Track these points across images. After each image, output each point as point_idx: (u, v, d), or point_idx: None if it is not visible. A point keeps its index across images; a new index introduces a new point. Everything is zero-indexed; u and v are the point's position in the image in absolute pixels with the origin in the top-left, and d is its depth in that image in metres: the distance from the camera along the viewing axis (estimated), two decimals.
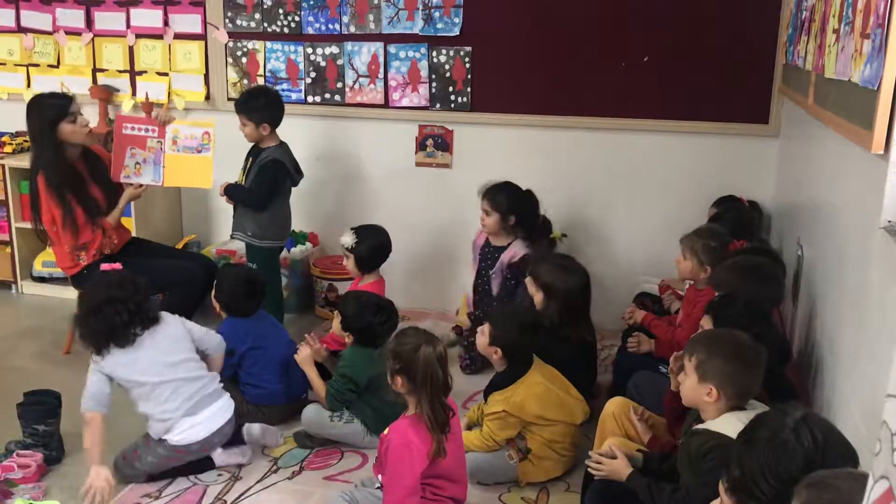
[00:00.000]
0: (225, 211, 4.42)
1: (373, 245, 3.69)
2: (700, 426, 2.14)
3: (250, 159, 3.94)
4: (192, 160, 3.91)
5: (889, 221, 1.85)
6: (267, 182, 3.87)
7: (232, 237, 4.06)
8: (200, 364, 3.01)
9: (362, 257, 3.68)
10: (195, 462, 2.98)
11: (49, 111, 3.62)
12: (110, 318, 2.83)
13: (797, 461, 1.49)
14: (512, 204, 3.75)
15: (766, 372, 2.20)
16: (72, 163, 3.70)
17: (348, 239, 3.67)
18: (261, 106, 3.87)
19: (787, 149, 3.88)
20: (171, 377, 2.89)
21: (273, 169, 3.88)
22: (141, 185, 3.85)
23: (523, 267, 3.65)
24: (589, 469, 2.45)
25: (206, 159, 3.91)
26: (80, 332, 2.90)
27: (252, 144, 3.99)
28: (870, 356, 1.95)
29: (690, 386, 2.17)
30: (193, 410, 2.90)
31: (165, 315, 3.01)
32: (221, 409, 2.97)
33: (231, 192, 3.94)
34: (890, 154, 1.82)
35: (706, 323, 2.55)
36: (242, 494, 2.88)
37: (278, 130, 3.97)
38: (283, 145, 3.96)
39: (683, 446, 2.20)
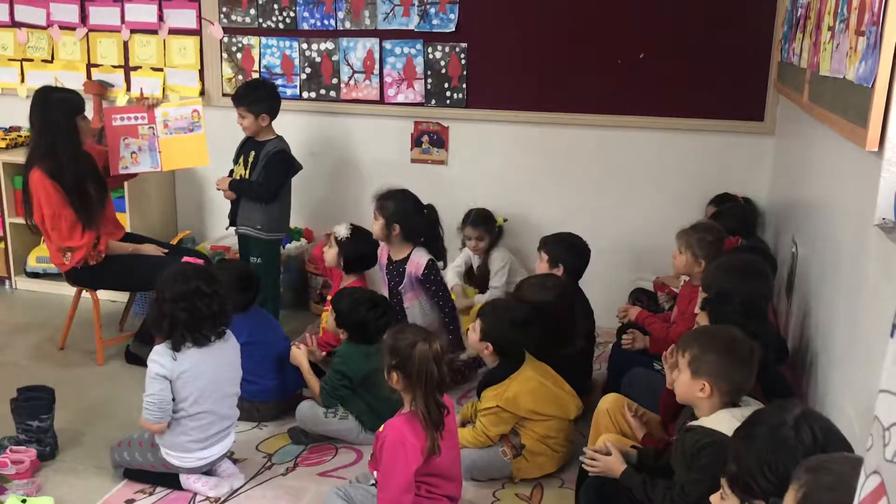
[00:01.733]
0: (220, 206, 4.41)
1: (360, 251, 3.67)
2: (694, 423, 2.15)
3: (252, 152, 3.93)
4: (187, 140, 3.93)
5: (883, 219, 1.85)
6: (278, 173, 3.91)
7: (237, 231, 4.04)
8: (237, 399, 2.95)
9: (346, 256, 3.66)
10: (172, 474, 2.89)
11: (71, 105, 3.63)
12: (198, 308, 2.72)
13: (797, 458, 1.49)
14: (398, 212, 3.51)
15: (760, 369, 2.21)
16: (78, 158, 3.67)
17: (343, 231, 3.66)
18: (260, 98, 3.89)
19: (782, 146, 3.89)
20: (215, 409, 2.81)
21: (283, 160, 3.92)
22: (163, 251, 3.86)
23: (433, 272, 3.55)
24: (583, 465, 2.46)
25: (200, 137, 3.93)
26: (161, 320, 2.73)
27: (245, 138, 3.99)
28: (863, 352, 1.96)
29: (684, 382, 2.18)
30: (208, 444, 2.84)
31: (228, 332, 2.91)
32: (226, 444, 2.91)
33: (239, 187, 3.93)
34: (884, 151, 1.82)
35: (702, 319, 2.56)
36: (237, 491, 2.87)
37: (274, 125, 3.97)
38: (282, 137, 3.98)
39: (678, 443, 2.20)
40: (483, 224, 4.20)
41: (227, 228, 4.17)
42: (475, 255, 4.27)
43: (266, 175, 3.88)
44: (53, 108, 3.61)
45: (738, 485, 1.57)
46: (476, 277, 4.29)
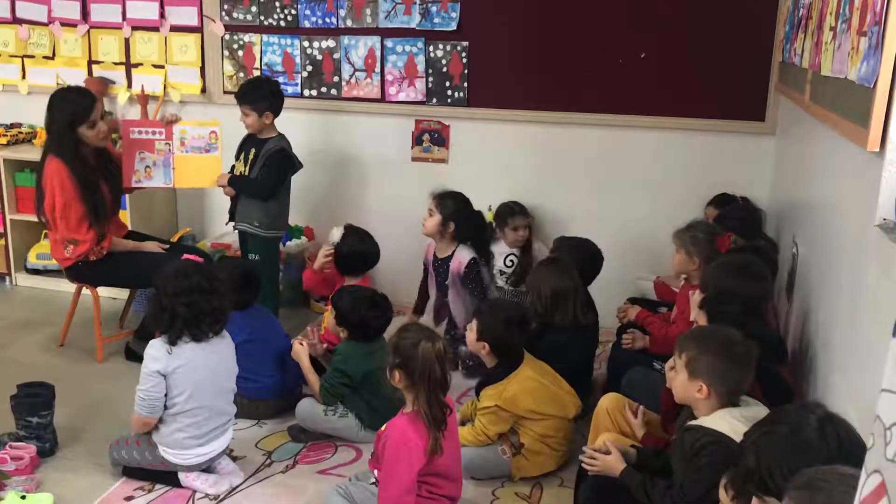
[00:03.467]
0: (220, 204, 4.41)
1: (352, 250, 3.68)
2: (693, 422, 2.15)
3: (253, 150, 3.94)
4: (202, 160, 3.93)
5: (884, 219, 1.86)
6: (277, 171, 3.92)
7: (236, 227, 4.04)
8: (233, 396, 2.96)
9: (340, 258, 3.67)
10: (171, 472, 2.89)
11: (71, 109, 3.59)
12: (197, 304, 2.74)
13: (820, 460, 1.47)
14: (456, 212, 3.73)
15: (760, 369, 2.21)
16: (85, 157, 3.68)
17: (336, 235, 3.68)
18: (263, 95, 3.90)
19: (783, 146, 3.89)
20: (211, 405, 2.81)
21: (282, 158, 3.93)
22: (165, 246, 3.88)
23: (473, 270, 3.72)
24: (582, 464, 2.46)
25: (216, 158, 3.94)
26: (160, 315, 2.74)
27: (247, 135, 4.00)
28: (864, 352, 1.96)
29: (681, 383, 2.18)
30: (205, 441, 2.84)
31: (224, 331, 2.93)
32: (223, 441, 2.92)
33: (238, 183, 3.94)
34: (885, 152, 1.82)
35: (700, 319, 2.55)
36: (236, 488, 2.87)
37: (276, 122, 3.98)
38: (283, 135, 3.99)
39: (677, 442, 2.20)
40: (527, 212, 4.25)
41: (226, 224, 4.18)
42: (514, 250, 4.24)
43: (265, 172, 3.89)
44: (58, 112, 3.60)
45: (752, 480, 1.55)
46: (516, 274, 4.21)
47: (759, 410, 2.11)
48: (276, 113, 3.95)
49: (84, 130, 3.61)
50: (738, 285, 2.62)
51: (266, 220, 3.95)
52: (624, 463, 2.35)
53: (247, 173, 3.94)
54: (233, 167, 4.03)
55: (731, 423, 2.07)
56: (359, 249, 3.71)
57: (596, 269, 3.60)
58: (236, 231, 4.09)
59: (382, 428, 2.50)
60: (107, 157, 3.82)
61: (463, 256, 3.74)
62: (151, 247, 3.85)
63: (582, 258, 3.52)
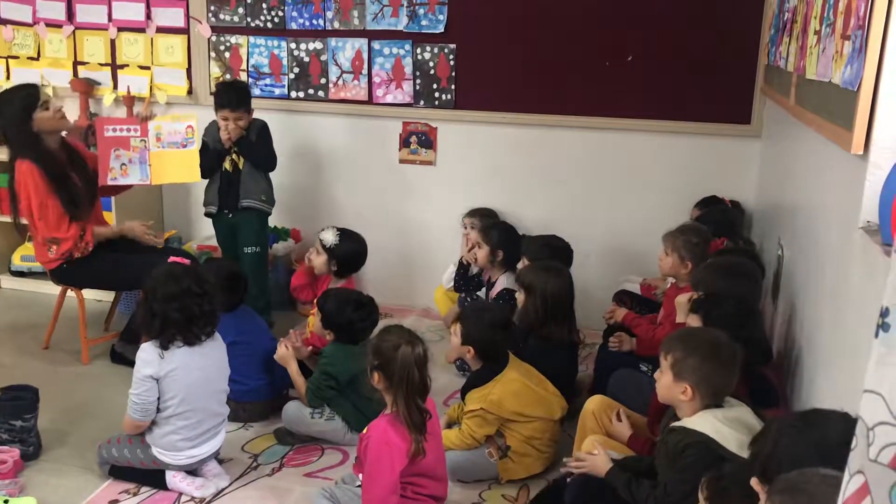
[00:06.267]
0: None
1: (350, 252, 3.69)
2: (677, 423, 2.16)
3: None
4: (179, 155, 3.91)
5: (868, 221, 1.87)
6: (270, 142, 4.09)
7: (242, 206, 4.05)
8: (226, 397, 2.95)
9: (339, 259, 3.66)
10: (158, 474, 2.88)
11: (19, 102, 3.58)
12: (189, 308, 2.71)
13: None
14: (502, 240, 3.82)
15: (746, 371, 2.22)
16: (52, 152, 3.66)
17: (330, 238, 3.65)
18: (249, 95, 4.05)
19: (768, 149, 3.91)
20: (204, 406, 2.80)
21: (267, 132, 4.09)
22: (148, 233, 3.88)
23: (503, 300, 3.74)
24: (568, 469, 2.47)
25: (193, 153, 3.93)
26: (152, 321, 2.72)
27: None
28: (848, 353, 1.97)
29: (666, 384, 2.18)
30: (198, 442, 2.83)
31: (216, 333, 2.92)
32: (216, 443, 2.91)
33: (248, 145, 4.00)
34: (869, 155, 1.84)
35: (693, 322, 2.54)
36: (222, 491, 2.86)
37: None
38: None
39: (661, 443, 2.21)
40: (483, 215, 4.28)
41: (210, 210, 4.16)
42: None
43: (265, 142, 4.04)
44: (8, 108, 3.59)
45: (769, 467, 1.51)
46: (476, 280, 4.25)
47: (742, 411, 2.13)
48: None
49: (40, 114, 3.58)
50: (731, 287, 2.63)
51: (270, 195, 4.12)
52: (610, 463, 2.35)
53: (240, 162, 4.02)
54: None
55: (713, 423, 2.08)
56: (357, 250, 3.72)
57: (568, 264, 3.62)
58: (237, 211, 4.08)
59: (364, 431, 2.50)
60: (74, 152, 3.78)
61: (501, 285, 3.79)
62: (133, 226, 3.83)
63: (553, 258, 3.52)
